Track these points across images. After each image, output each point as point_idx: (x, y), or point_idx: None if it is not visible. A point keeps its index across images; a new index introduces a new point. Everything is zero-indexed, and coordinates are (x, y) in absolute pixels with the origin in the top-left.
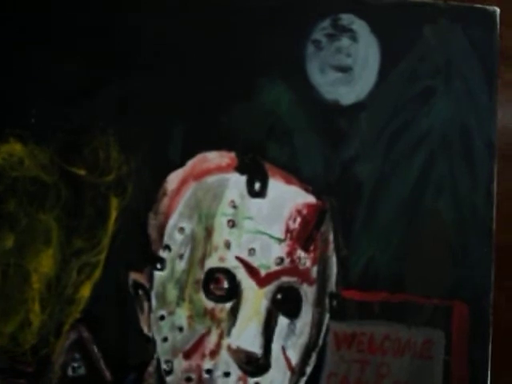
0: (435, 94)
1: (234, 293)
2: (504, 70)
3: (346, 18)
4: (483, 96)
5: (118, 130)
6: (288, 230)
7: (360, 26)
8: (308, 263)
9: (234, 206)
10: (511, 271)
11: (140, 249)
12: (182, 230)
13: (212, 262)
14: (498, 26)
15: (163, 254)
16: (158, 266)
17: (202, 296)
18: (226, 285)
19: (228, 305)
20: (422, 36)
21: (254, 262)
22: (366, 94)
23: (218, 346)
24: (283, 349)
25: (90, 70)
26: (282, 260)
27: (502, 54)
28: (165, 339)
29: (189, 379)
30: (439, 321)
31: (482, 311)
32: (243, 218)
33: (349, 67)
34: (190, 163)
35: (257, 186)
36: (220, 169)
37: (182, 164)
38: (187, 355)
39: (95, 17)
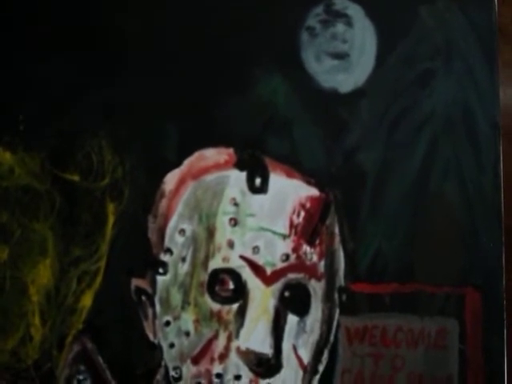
0: (435, 75)
1: (240, 293)
2: (502, 49)
3: (340, 3)
4: (484, 75)
5: (110, 131)
6: (292, 225)
7: (354, 10)
8: (315, 258)
9: (236, 204)
10: None
11: (140, 253)
12: (182, 231)
13: (216, 263)
14: (496, 3)
15: (165, 257)
16: (161, 270)
17: (207, 298)
18: (231, 285)
19: (235, 306)
20: (419, 17)
21: (259, 260)
22: (364, 81)
23: (227, 348)
24: (294, 348)
25: (79, 72)
26: (287, 256)
27: (499, 32)
28: (171, 345)
29: None
30: (452, 309)
31: (494, 297)
32: (245, 216)
33: (345, 53)
34: (187, 162)
35: (257, 181)
36: (219, 166)
37: (179, 163)
38: (196, 360)
39: (81, 19)
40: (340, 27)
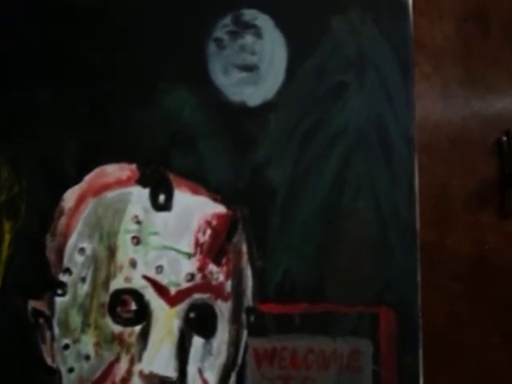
0: (348, 88)
1: (143, 315)
2: (420, 61)
3: (249, 14)
4: (399, 88)
5: (6, 146)
6: (197, 244)
7: (264, 21)
8: (221, 278)
9: (138, 222)
10: (441, 268)
11: (38, 274)
12: (82, 250)
13: (117, 283)
14: (411, 15)
15: (63, 277)
16: (59, 291)
17: (108, 320)
18: (133, 307)
19: (137, 328)
20: (331, 28)
21: (163, 280)
22: (274, 94)
23: (129, 372)
24: (200, 371)
25: None
26: (192, 276)
27: (417, 44)
28: (70, 370)
29: None
30: (365, 329)
31: (410, 316)
32: (148, 234)
33: (254, 66)
34: (87, 178)
35: (161, 198)
36: (120, 183)
37: (78, 180)
38: None
39: None
40: (249, 39)
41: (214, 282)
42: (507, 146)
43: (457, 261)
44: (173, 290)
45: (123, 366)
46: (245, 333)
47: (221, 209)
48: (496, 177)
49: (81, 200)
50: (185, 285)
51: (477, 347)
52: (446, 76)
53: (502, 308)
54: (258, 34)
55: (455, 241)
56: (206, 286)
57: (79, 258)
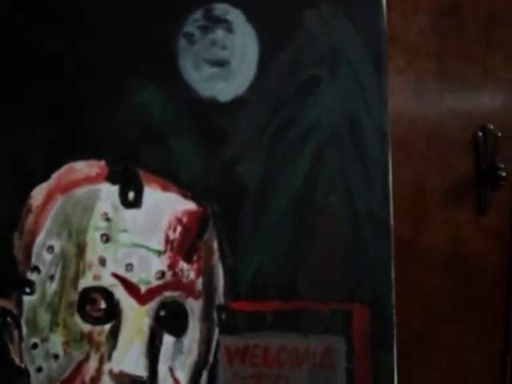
0: (321, 83)
1: (112, 313)
2: (394, 55)
3: (220, 8)
4: (372, 83)
5: None
6: (168, 241)
7: (235, 15)
8: (192, 275)
9: (107, 219)
10: (416, 265)
11: (6, 272)
12: (51, 248)
13: (86, 282)
14: (385, 9)
15: (32, 276)
16: (27, 289)
17: (77, 319)
18: (103, 305)
19: (107, 326)
20: (303, 23)
21: (133, 277)
22: (245, 89)
23: (99, 372)
24: (171, 369)
25: None
26: (163, 274)
27: (390, 39)
28: (39, 369)
29: None
30: (339, 327)
31: (383, 312)
32: (118, 231)
33: (225, 61)
34: (55, 175)
35: (131, 195)
36: (89, 179)
37: (47, 177)
38: None
39: None
40: (220, 33)
41: (184, 280)
42: (483, 142)
43: (433, 257)
44: (143, 288)
45: (92, 365)
46: (216, 331)
47: (191, 205)
48: (472, 173)
49: (49, 197)
50: (155, 283)
51: (452, 344)
52: (421, 71)
53: (477, 304)
54: (229, 29)
55: (431, 237)
56: (177, 283)
57: (47, 256)
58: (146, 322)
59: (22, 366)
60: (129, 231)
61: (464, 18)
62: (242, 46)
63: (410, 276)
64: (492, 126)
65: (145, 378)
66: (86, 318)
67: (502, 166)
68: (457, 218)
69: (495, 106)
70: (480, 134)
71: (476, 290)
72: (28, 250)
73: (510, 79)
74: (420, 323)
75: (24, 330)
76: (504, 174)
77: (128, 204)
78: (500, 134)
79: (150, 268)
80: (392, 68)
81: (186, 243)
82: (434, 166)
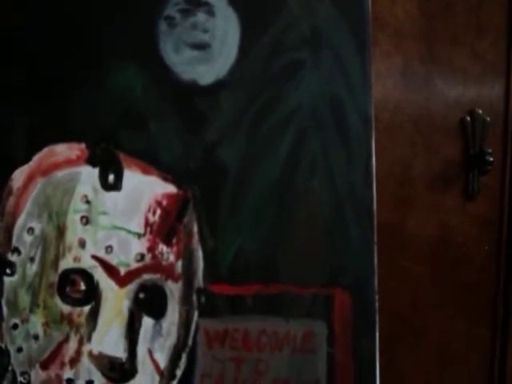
0: (303, 66)
1: (92, 295)
2: (380, 39)
3: None
4: (356, 66)
5: None
6: (147, 224)
7: None
8: (171, 258)
9: (87, 202)
10: (403, 251)
11: None
12: (31, 230)
13: (66, 263)
14: None
15: (12, 257)
16: (8, 270)
17: (57, 300)
18: (82, 287)
19: (86, 308)
20: (285, 5)
21: (112, 260)
22: (226, 72)
23: (78, 353)
24: (150, 352)
25: None
26: (142, 256)
27: (376, 21)
28: (19, 349)
29: None
30: (319, 311)
31: (366, 298)
32: (98, 214)
33: (206, 44)
34: (36, 158)
35: (111, 178)
36: (70, 162)
37: (27, 159)
38: (45, 365)
39: None
40: (201, 16)
41: (164, 263)
42: (471, 127)
43: (420, 243)
44: (122, 271)
45: (72, 346)
46: (195, 314)
47: (171, 189)
48: (460, 158)
49: (29, 180)
50: (134, 265)
51: (440, 331)
52: (408, 54)
53: (465, 291)
54: (211, 12)
55: (418, 223)
56: (156, 266)
57: (28, 238)
58: (125, 304)
59: (3, 345)
60: (109, 214)
61: (452, 0)
62: (223, 29)
63: (397, 262)
64: (480, 111)
65: (124, 360)
66: (66, 299)
67: (490, 151)
68: (444, 204)
69: (484, 90)
70: (468, 118)
71: (464, 276)
72: (9, 232)
73: (498, 63)
74: (407, 310)
75: (4, 310)
76: (492, 159)
77: (108, 187)
78: (488, 119)
79: (130, 250)
80: (378, 51)
81: (166, 226)
82: (422, 150)
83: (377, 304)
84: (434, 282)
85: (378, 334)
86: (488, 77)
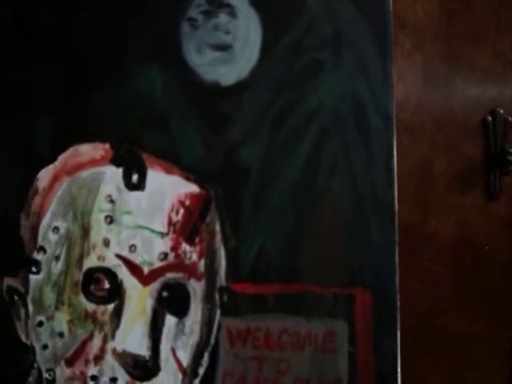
0: (324, 67)
1: (116, 293)
2: (401, 39)
3: None
4: (377, 67)
5: None
6: (171, 223)
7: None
8: (194, 257)
9: (112, 201)
10: (424, 251)
11: (13, 252)
12: (56, 229)
13: (90, 262)
14: None
15: (38, 256)
16: (33, 269)
17: (81, 298)
18: (107, 285)
19: (110, 306)
20: (307, 6)
21: (136, 259)
22: (247, 73)
23: (103, 350)
24: (173, 350)
25: None
26: (165, 255)
27: (397, 21)
28: (45, 347)
29: None
30: (341, 311)
31: (387, 297)
32: (122, 213)
33: (228, 45)
34: (61, 158)
35: (134, 178)
36: (94, 162)
37: (53, 159)
38: (70, 362)
39: None
40: (223, 18)
41: (187, 262)
42: (493, 126)
43: (441, 243)
44: (146, 269)
45: (96, 343)
46: (218, 312)
47: (194, 188)
48: (481, 157)
49: (55, 179)
50: (158, 264)
51: (461, 333)
52: (428, 54)
53: (486, 292)
54: (232, 13)
55: (439, 222)
56: (179, 265)
57: (53, 237)
58: (148, 303)
59: (28, 343)
60: (132, 213)
61: None
62: (245, 30)
63: (418, 262)
64: (502, 111)
65: (147, 358)
66: (90, 297)
67: None
68: (465, 204)
69: (505, 89)
70: (489, 118)
71: (485, 277)
72: (34, 231)
73: None
74: (428, 310)
75: (30, 308)
76: None
77: (132, 186)
78: (510, 119)
79: (153, 249)
80: (398, 51)
81: (189, 225)
82: (443, 150)
83: (398, 303)
84: (454, 283)
85: (399, 333)
86: (509, 76)
